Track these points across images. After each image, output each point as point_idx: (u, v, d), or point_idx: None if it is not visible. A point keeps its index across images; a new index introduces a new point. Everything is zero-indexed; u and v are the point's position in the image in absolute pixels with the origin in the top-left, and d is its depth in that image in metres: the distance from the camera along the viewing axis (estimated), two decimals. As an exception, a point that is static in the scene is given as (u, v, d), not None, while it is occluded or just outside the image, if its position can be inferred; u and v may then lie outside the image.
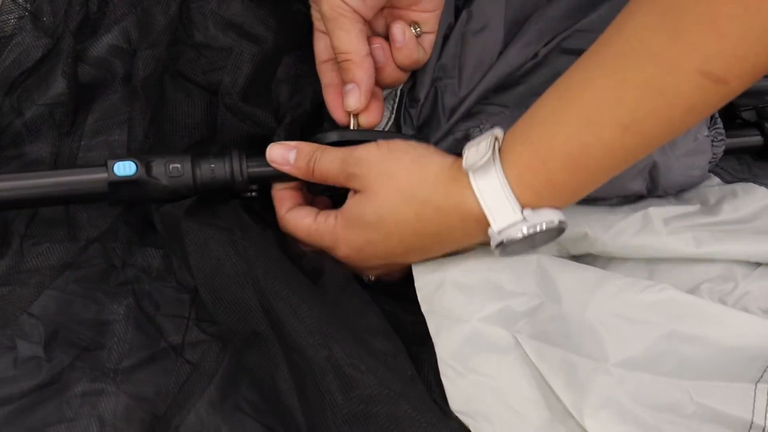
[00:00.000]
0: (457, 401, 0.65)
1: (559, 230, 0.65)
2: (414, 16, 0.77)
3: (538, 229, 0.64)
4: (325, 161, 0.70)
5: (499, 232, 0.64)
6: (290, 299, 0.65)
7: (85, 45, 0.79)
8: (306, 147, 0.72)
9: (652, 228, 0.70)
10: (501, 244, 0.65)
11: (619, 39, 0.61)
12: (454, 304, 0.67)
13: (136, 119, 0.75)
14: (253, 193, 0.75)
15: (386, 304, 0.72)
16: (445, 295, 0.67)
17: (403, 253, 0.69)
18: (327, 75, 0.77)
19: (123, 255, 0.73)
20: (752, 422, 0.64)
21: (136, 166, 0.70)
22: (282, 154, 0.72)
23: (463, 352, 0.66)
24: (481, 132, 0.73)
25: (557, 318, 0.66)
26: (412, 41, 0.75)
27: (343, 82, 0.74)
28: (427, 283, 0.68)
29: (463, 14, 0.77)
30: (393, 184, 0.67)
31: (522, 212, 0.64)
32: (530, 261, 0.68)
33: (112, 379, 0.67)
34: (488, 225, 0.65)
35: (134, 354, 0.69)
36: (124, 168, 0.70)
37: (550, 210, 0.64)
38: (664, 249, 0.70)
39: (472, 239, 0.68)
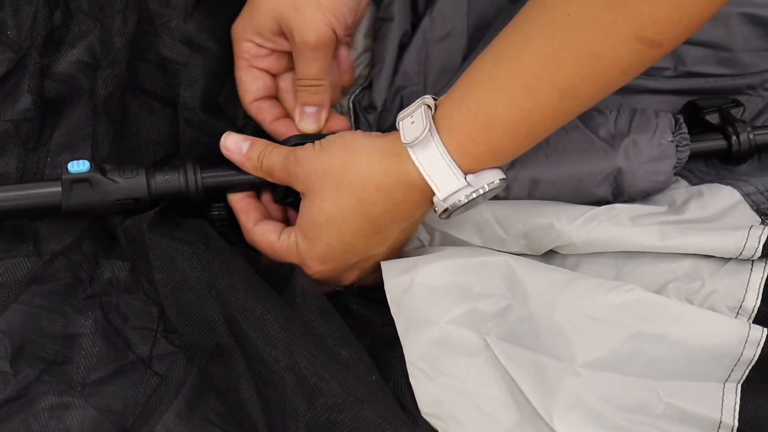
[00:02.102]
0: (426, 404, 0.65)
1: (500, 187, 0.67)
2: (346, 39, 0.78)
3: (481, 192, 0.65)
4: (272, 155, 0.71)
5: (444, 200, 0.65)
6: (255, 310, 0.65)
7: (51, 60, 0.78)
8: (260, 141, 0.73)
9: (617, 221, 0.70)
10: (446, 210, 0.66)
11: (555, 3, 0.61)
12: (423, 305, 0.67)
13: (100, 137, 0.75)
14: (224, 222, 0.75)
15: (356, 304, 0.73)
16: (413, 297, 0.67)
17: (364, 246, 0.69)
18: (269, 111, 0.77)
19: (89, 268, 0.73)
20: (721, 421, 0.64)
21: (90, 165, 0.71)
22: (236, 142, 0.73)
23: (431, 354, 0.65)
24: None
25: (526, 319, 0.66)
26: (351, 62, 0.79)
27: (302, 104, 0.75)
28: (397, 284, 0.68)
29: (426, 20, 0.78)
30: (329, 178, 0.68)
31: (465, 178, 0.65)
32: (498, 263, 0.68)
33: (79, 393, 0.67)
34: (433, 194, 0.66)
35: (102, 367, 0.68)
36: (78, 165, 0.70)
37: (490, 171, 0.66)
38: (630, 241, 0.70)
39: (421, 209, 0.69)
